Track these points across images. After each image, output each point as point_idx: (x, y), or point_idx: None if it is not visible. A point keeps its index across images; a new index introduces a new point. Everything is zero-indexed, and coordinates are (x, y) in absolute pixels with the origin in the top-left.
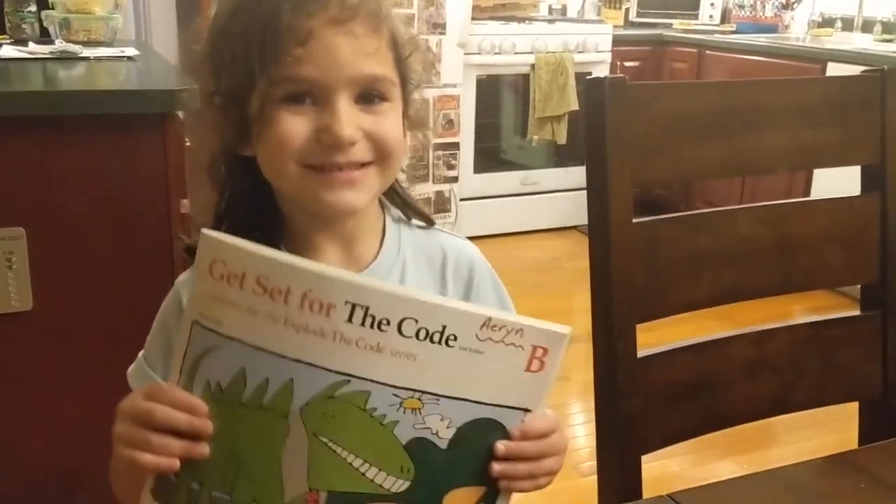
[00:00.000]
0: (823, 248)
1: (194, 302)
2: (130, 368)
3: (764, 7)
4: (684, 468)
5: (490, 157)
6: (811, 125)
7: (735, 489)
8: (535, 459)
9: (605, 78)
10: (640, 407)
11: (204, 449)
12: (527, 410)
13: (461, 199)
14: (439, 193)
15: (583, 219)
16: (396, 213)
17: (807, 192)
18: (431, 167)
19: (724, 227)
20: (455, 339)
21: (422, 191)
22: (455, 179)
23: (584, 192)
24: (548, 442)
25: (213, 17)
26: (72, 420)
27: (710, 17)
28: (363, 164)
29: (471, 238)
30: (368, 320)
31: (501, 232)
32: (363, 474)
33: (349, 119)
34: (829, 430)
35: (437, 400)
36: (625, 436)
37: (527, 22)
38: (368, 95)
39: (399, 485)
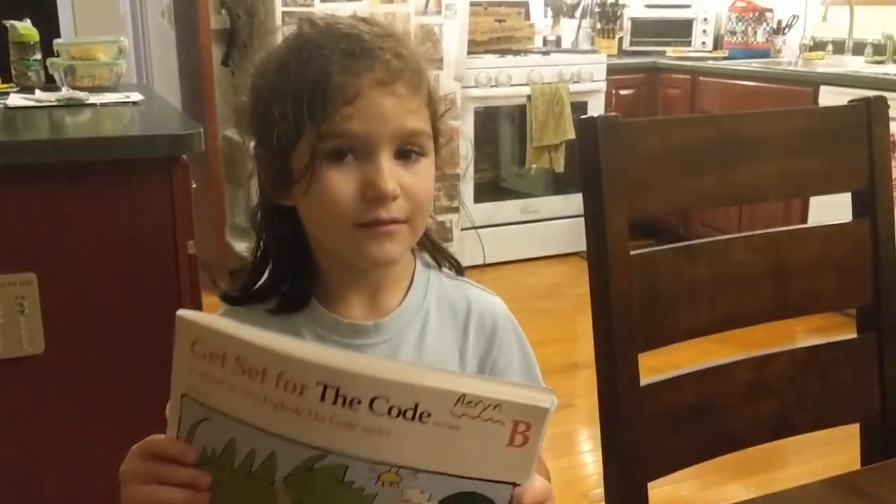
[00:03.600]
0: (817, 273)
1: (181, 376)
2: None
3: (755, 32)
4: (693, 492)
5: (490, 187)
6: (800, 154)
7: None
8: None
9: (597, 117)
10: (644, 434)
11: (205, 498)
12: (515, 484)
13: (462, 229)
14: (440, 224)
15: (583, 245)
16: (426, 258)
17: (804, 218)
18: (433, 198)
19: (720, 256)
20: (429, 415)
21: None
22: (456, 209)
23: (584, 218)
24: None
25: (258, 72)
26: (83, 461)
27: (703, 43)
28: (397, 221)
29: (473, 267)
30: (340, 400)
31: (503, 260)
32: None
33: (391, 174)
34: (836, 449)
35: (416, 474)
36: (630, 463)
37: (522, 54)
38: (407, 151)
39: None
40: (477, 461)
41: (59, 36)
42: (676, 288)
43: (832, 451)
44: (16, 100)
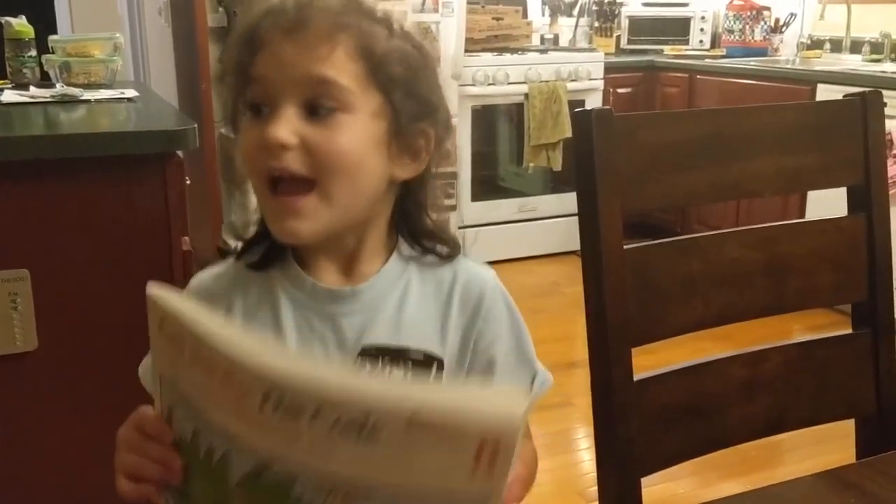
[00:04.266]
0: (813, 268)
1: (157, 356)
2: (141, 366)
3: (753, 31)
4: (688, 490)
5: (488, 185)
6: (795, 149)
7: None
8: None
9: (591, 110)
10: (639, 430)
11: (178, 478)
12: (488, 492)
13: (460, 227)
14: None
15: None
16: (408, 251)
17: (802, 213)
18: None
19: (714, 251)
20: (382, 430)
21: None
22: (453, 208)
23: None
24: None
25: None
26: (76, 458)
27: (701, 42)
28: (306, 189)
29: None
30: (281, 408)
31: (500, 258)
32: None
33: (286, 123)
34: (833, 447)
35: (369, 489)
36: (624, 459)
37: (520, 52)
38: (316, 106)
39: None
40: (438, 472)
41: (55, 33)
42: (670, 283)
43: (828, 449)
44: (10, 96)
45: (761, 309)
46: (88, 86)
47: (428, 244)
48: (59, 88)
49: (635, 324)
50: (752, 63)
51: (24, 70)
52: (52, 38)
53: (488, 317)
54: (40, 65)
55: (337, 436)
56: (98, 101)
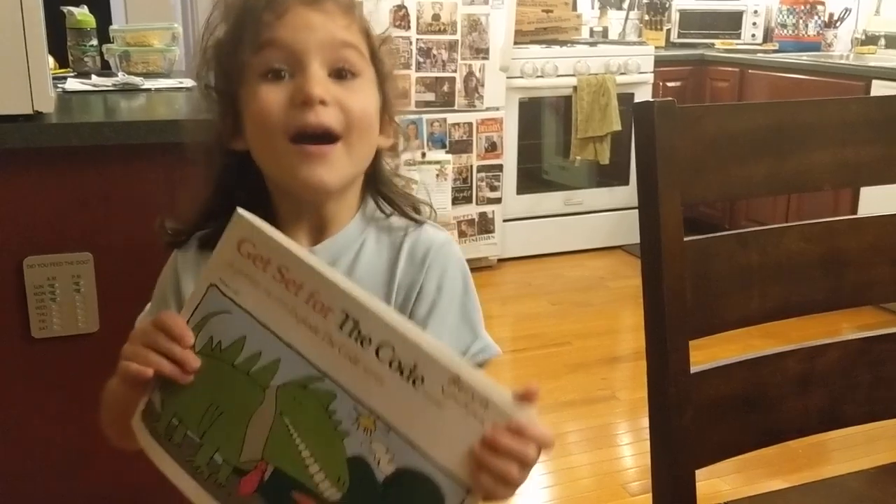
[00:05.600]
0: (871, 264)
1: (216, 268)
2: (138, 319)
3: (807, 26)
4: (734, 486)
5: (533, 178)
6: (856, 143)
7: (788, 498)
8: (514, 461)
9: (653, 102)
10: (693, 421)
11: (188, 378)
12: (469, 491)
13: (504, 220)
14: (482, 215)
15: (627, 238)
16: (372, 210)
17: (854, 209)
18: (475, 189)
19: (773, 245)
20: (422, 381)
21: (465, 212)
22: (498, 201)
23: (628, 211)
24: (530, 451)
25: (207, 20)
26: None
27: (753, 36)
28: (333, 139)
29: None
30: (355, 333)
31: (545, 252)
32: (307, 467)
33: (320, 81)
34: (882, 447)
35: (388, 431)
36: (678, 450)
37: (568, 45)
38: (341, 70)
39: (332, 492)
40: (446, 447)
41: (111, 22)
42: (728, 276)
43: (878, 448)
44: (73, 84)
45: (818, 304)
46: (147, 75)
47: (400, 203)
48: (121, 77)
49: (692, 315)
50: (804, 58)
51: (86, 59)
52: (112, 27)
53: (431, 268)
54: (101, 54)
55: (388, 370)
56: (157, 89)
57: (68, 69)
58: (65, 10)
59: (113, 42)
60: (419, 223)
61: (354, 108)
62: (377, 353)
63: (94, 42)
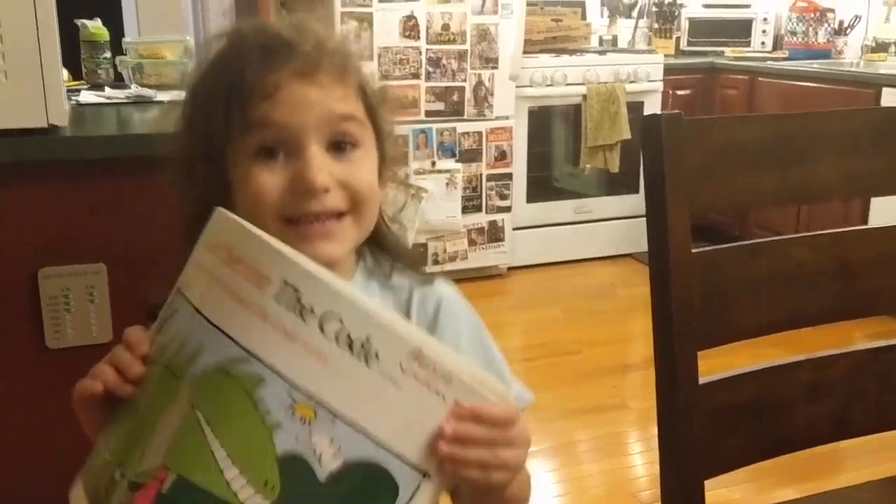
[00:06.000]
0: (881, 274)
1: (184, 272)
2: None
3: (816, 33)
4: (745, 496)
5: (543, 187)
6: (863, 154)
7: None
8: (488, 447)
9: (661, 114)
10: (703, 432)
11: (127, 389)
12: (426, 475)
13: (514, 229)
14: (492, 223)
15: (637, 246)
16: (371, 265)
17: (864, 219)
18: (485, 197)
19: (782, 255)
20: (377, 357)
21: (475, 221)
22: (508, 209)
23: (638, 220)
24: (504, 432)
25: (189, 84)
26: None
27: (762, 43)
28: (339, 215)
29: (525, 267)
30: (293, 303)
31: (555, 260)
32: (221, 472)
33: (321, 166)
34: (894, 456)
35: (334, 419)
36: (688, 460)
37: (578, 54)
38: (340, 143)
39: (256, 499)
40: (403, 432)
41: (124, 35)
42: (737, 286)
43: (889, 457)
44: (87, 97)
45: (827, 314)
46: (160, 87)
47: (396, 256)
48: (134, 90)
49: (701, 325)
50: (815, 65)
51: (99, 71)
52: (125, 40)
53: (446, 325)
54: (114, 66)
55: (334, 346)
56: (170, 102)
57: (82, 81)
58: (78, 23)
59: (126, 54)
60: (424, 280)
61: (360, 185)
62: (321, 327)
63: (108, 54)
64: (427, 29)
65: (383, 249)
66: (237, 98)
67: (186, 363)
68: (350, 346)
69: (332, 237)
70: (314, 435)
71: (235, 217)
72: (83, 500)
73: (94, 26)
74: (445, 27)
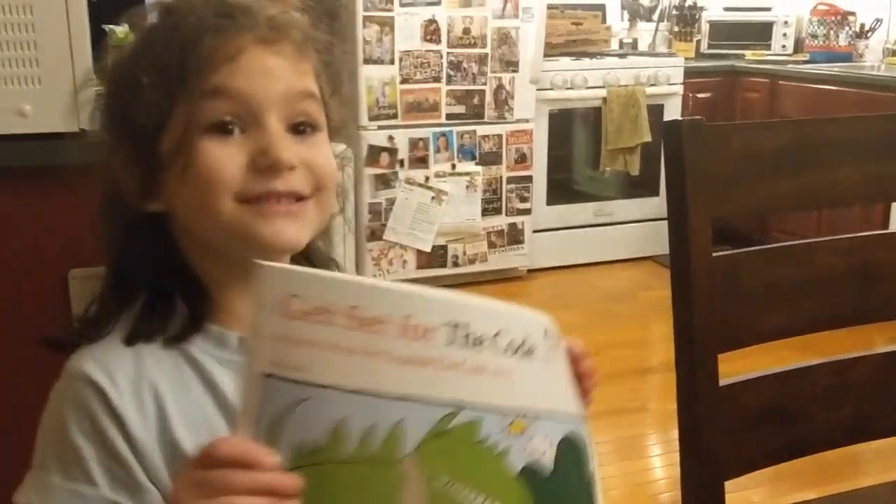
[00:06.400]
0: None
1: (261, 351)
2: (33, 492)
3: (837, 36)
4: (764, 499)
5: (563, 189)
6: (882, 160)
7: None
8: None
9: (682, 120)
10: (723, 434)
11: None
12: (584, 419)
13: (534, 231)
14: (512, 225)
15: (657, 249)
16: None
17: (885, 223)
18: (504, 200)
19: (803, 259)
20: (535, 350)
21: (495, 223)
22: (528, 212)
23: (658, 222)
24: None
25: (116, 59)
26: None
27: (783, 46)
28: (301, 199)
29: (545, 269)
30: (469, 340)
31: (575, 263)
32: None
33: (286, 143)
34: None
35: (536, 419)
36: (708, 462)
37: (598, 57)
38: (300, 125)
39: None
40: (568, 394)
41: None
42: (758, 290)
43: None
44: None
45: (848, 318)
46: None
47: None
48: None
49: (722, 329)
50: (836, 69)
51: None
52: None
53: None
54: None
55: (511, 359)
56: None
57: None
58: (106, 29)
59: None
60: None
61: (324, 170)
62: (496, 346)
63: None
64: (448, 33)
65: (313, 263)
66: (192, 62)
67: (393, 446)
68: (517, 352)
69: (297, 218)
70: (532, 440)
71: (295, 268)
72: None
73: (122, 31)
74: (466, 31)
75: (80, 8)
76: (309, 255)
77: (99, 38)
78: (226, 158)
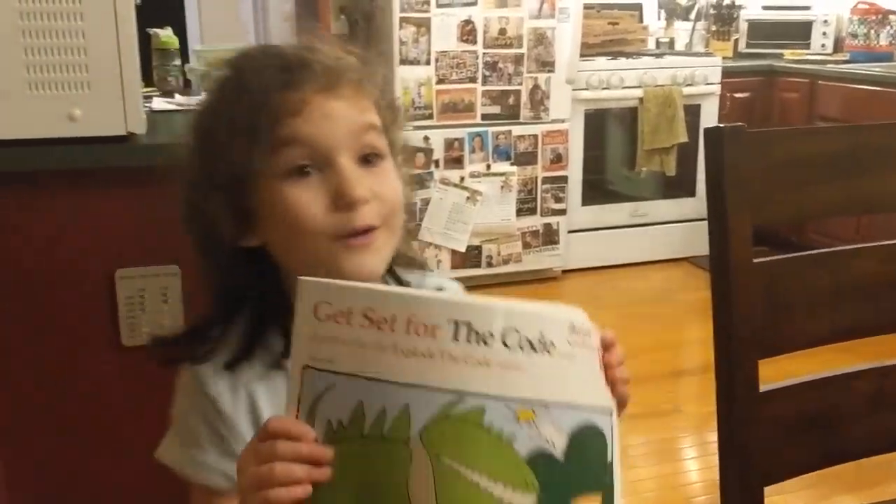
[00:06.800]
0: None
1: (301, 347)
2: (178, 461)
3: (878, 36)
4: (805, 503)
5: (598, 190)
6: None
7: None
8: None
9: (724, 126)
10: (762, 440)
11: (326, 472)
12: (611, 411)
13: (569, 231)
14: (547, 226)
15: (693, 250)
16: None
17: None
18: (539, 200)
19: (845, 266)
20: (553, 345)
21: (530, 223)
22: (563, 212)
23: (694, 223)
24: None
25: (197, 114)
26: None
27: (823, 46)
28: (373, 229)
29: (580, 270)
30: (473, 336)
31: (611, 264)
32: (491, 493)
33: (359, 180)
34: None
35: (547, 408)
36: (747, 468)
37: (634, 57)
38: (367, 156)
39: (525, 499)
40: (589, 389)
41: (187, 42)
42: (799, 296)
43: None
44: (159, 104)
45: (890, 325)
46: None
47: (402, 262)
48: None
49: (762, 335)
50: (876, 69)
51: (169, 78)
52: (194, 48)
53: None
54: (183, 73)
55: (521, 354)
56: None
57: (153, 88)
58: (151, 32)
59: (193, 62)
60: (429, 277)
61: (389, 196)
62: (504, 343)
63: (178, 62)
64: (484, 33)
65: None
66: (263, 119)
67: (401, 427)
68: (532, 347)
69: (375, 249)
70: (541, 428)
71: (324, 280)
72: None
73: (166, 35)
74: (502, 31)
75: (128, 14)
76: (394, 260)
77: (142, 41)
78: (309, 202)
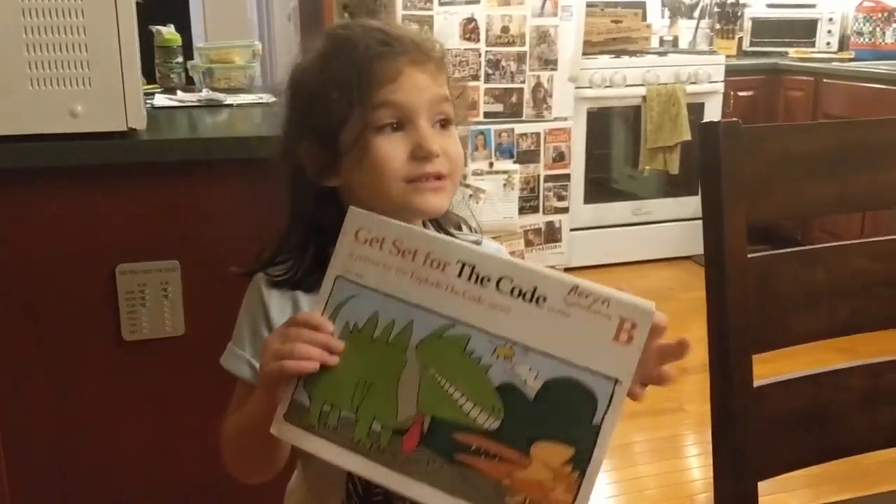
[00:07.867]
0: None
1: (339, 260)
2: (223, 357)
3: (884, 34)
4: (803, 502)
5: (601, 188)
6: None
7: None
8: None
9: (719, 122)
10: (757, 435)
11: (335, 360)
12: (617, 381)
13: (571, 230)
14: (549, 224)
15: (696, 249)
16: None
17: None
18: (542, 198)
19: (839, 262)
20: (545, 300)
21: (532, 221)
22: (566, 210)
23: (697, 222)
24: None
25: (300, 71)
26: (217, 438)
27: (828, 44)
28: (441, 177)
29: (582, 268)
30: (474, 277)
31: (613, 262)
32: (461, 407)
33: (435, 138)
34: None
35: (527, 352)
36: (741, 463)
37: (638, 55)
38: (441, 121)
39: (490, 422)
40: (583, 350)
41: (191, 39)
42: (794, 292)
43: None
44: (161, 100)
45: (885, 321)
46: (228, 90)
47: (454, 225)
48: (205, 93)
49: (757, 331)
50: (882, 67)
51: (172, 75)
52: (197, 45)
53: None
54: (185, 70)
55: (511, 299)
56: (239, 105)
57: (155, 85)
58: (153, 30)
59: (196, 59)
60: (473, 238)
61: (455, 154)
62: (498, 287)
63: (180, 59)
64: (487, 31)
65: (444, 223)
66: (365, 81)
67: (404, 337)
68: (522, 296)
69: (441, 192)
70: (516, 367)
71: (379, 216)
72: (305, 435)
73: (168, 32)
74: (505, 29)
75: (128, 10)
76: (444, 215)
77: (144, 38)
78: (394, 152)
